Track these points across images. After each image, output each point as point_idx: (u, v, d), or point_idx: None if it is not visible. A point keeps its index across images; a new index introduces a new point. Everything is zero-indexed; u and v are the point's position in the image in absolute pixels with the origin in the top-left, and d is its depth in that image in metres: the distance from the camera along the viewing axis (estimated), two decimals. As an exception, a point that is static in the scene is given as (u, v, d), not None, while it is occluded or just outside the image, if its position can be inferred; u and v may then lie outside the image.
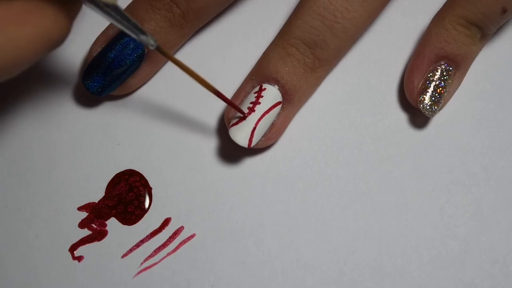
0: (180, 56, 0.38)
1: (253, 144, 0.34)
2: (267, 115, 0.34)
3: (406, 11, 0.38)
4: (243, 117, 0.34)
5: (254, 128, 0.34)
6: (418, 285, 0.35)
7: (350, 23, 0.33)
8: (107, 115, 0.38)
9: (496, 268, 0.35)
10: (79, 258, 0.36)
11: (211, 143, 0.37)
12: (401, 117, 0.37)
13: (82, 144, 0.37)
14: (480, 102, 0.37)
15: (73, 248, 0.36)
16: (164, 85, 0.38)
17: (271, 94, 0.34)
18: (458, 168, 0.36)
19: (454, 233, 0.35)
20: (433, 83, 0.35)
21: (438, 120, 0.37)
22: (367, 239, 0.35)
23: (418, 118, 0.37)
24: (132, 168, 0.37)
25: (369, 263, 0.35)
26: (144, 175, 0.37)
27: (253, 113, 0.34)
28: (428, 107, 0.35)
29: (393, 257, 0.35)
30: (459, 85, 0.36)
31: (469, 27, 0.34)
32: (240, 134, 0.34)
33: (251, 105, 0.34)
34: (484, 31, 0.35)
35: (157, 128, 0.37)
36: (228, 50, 0.38)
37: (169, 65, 0.38)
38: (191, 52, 0.38)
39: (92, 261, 0.36)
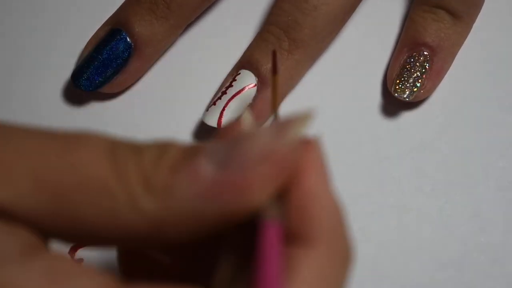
0: (176, 56, 0.38)
1: (223, 124, 0.34)
2: (238, 96, 0.34)
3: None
4: (215, 101, 0.35)
5: (223, 109, 0.34)
6: (417, 286, 0.35)
7: (319, 1, 0.34)
8: (105, 116, 0.37)
9: (495, 268, 0.35)
10: (79, 261, 0.36)
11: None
12: (401, 117, 0.37)
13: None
14: (480, 102, 0.37)
15: (73, 251, 0.36)
16: (161, 83, 0.38)
17: (244, 77, 0.35)
18: (457, 168, 0.36)
19: (453, 233, 0.35)
20: (407, 69, 0.35)
21: (437, 120, 0.37)
22: (365, 239, 0.35)
23: (418, 118, 0.36)
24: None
25: (368, 263, 0.35)
26: (143, 176, 0.37)
27: (224, 95, 0.35)
28: (401, 91, 0.35)
29: (392, 258, 0.35)
30: (447, 68, 0.36)
31: (435, 12, 0.34)
32: (211, 115, 0.34)
33: (224, 89, 0.35)
34: (452, 11, 0.34)
35: (155, 129, 0.37)
36: (225, 50, 0.38)
37: (166, 63, 0.38)
38: (188, 52, 0.38)
39: (91, 264, 0.36)
